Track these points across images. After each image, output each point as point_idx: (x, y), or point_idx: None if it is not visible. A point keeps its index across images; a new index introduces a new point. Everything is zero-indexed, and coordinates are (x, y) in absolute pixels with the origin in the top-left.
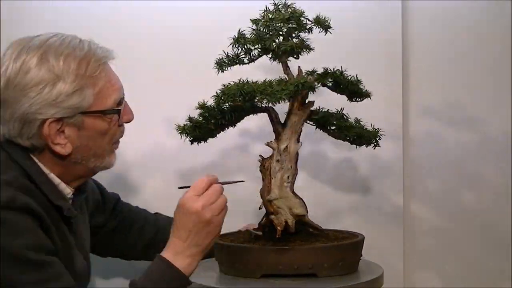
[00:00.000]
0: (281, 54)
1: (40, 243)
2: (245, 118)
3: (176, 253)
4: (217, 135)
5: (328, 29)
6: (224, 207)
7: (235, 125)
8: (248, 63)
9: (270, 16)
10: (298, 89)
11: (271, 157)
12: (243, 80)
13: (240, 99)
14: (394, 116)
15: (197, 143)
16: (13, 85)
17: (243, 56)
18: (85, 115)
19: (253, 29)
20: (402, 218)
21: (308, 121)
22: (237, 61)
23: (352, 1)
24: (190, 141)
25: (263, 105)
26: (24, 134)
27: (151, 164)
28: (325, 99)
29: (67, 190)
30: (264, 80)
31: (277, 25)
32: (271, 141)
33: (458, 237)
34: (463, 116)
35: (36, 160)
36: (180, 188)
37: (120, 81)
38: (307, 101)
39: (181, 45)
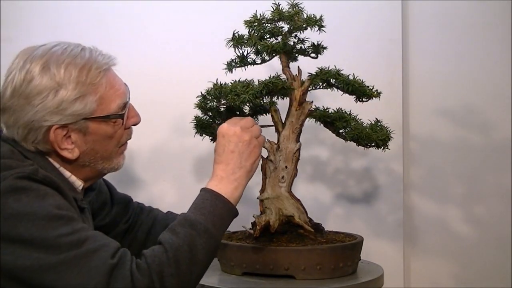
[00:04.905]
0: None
1: (66, 204)
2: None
3: (221, 178)
4: None
5: (321, 28)
6: (260, 134)
7: None
8: (260, 63)
9: (269, 16)
10: (263, 90)
11: (267, 157)
12: (220, 83)
13: (221, 99)
14: (394, 116)
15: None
16: (18, 93)
17: (252, 57)
18: (89, 120)
19: (254, 29)
20: (402, 218)
21: (325, 125)
22: (246, 62)
23: (353, 1)
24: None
25: (234, 104)
26: (29, 139)
27: (158, 162)
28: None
29: (78, 183)
30: (235, 81)
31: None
32: (266, 141)
33: (458, 237)
34: (463, 115)
35: (47, 157)
36: None
37: (124, 85)
38: (310, 100)
39: (185, 45)
